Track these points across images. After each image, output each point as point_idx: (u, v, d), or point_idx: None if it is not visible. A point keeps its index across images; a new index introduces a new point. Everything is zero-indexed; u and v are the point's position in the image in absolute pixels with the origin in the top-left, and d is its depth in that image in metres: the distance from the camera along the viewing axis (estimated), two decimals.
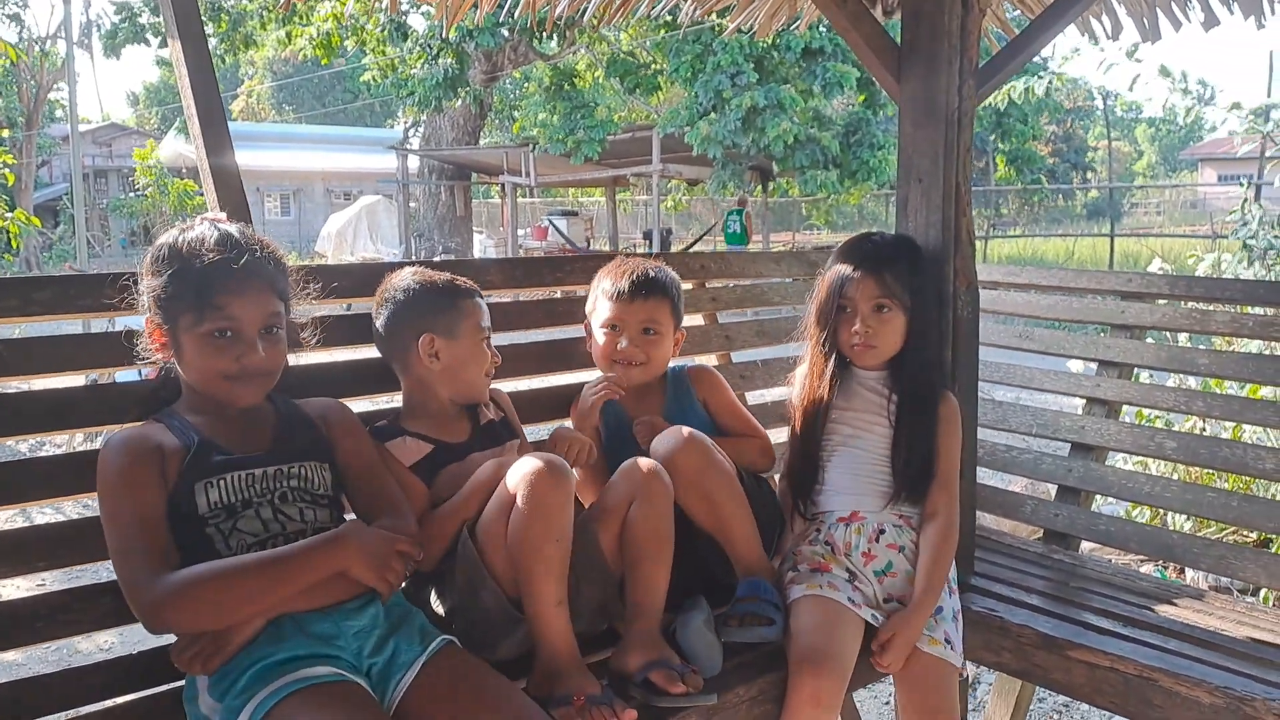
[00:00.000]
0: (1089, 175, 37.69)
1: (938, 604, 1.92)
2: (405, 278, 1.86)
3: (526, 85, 21.07)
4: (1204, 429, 4.02)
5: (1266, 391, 3.58)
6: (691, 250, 16.21)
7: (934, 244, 2.16)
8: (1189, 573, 3.89)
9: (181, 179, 18.56)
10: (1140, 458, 3.95)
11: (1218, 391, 3.56)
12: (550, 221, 19.55)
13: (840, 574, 1.93)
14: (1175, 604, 2.13)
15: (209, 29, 15.10)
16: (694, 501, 1.88)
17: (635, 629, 1.71)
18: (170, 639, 1.46)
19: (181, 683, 1.50)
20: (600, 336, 2.09)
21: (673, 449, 1.86)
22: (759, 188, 19.12)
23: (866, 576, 1.94)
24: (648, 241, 18.26)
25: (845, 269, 2.04)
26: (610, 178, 18.42)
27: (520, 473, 1.60)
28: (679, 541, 1.90)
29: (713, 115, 15.07)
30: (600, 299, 2.10)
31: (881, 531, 1.98)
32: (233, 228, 1.55)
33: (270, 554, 1.41)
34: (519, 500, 1.58)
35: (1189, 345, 3.58)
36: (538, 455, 1.62)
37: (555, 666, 1.56)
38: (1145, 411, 3.99)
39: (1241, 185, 5.42)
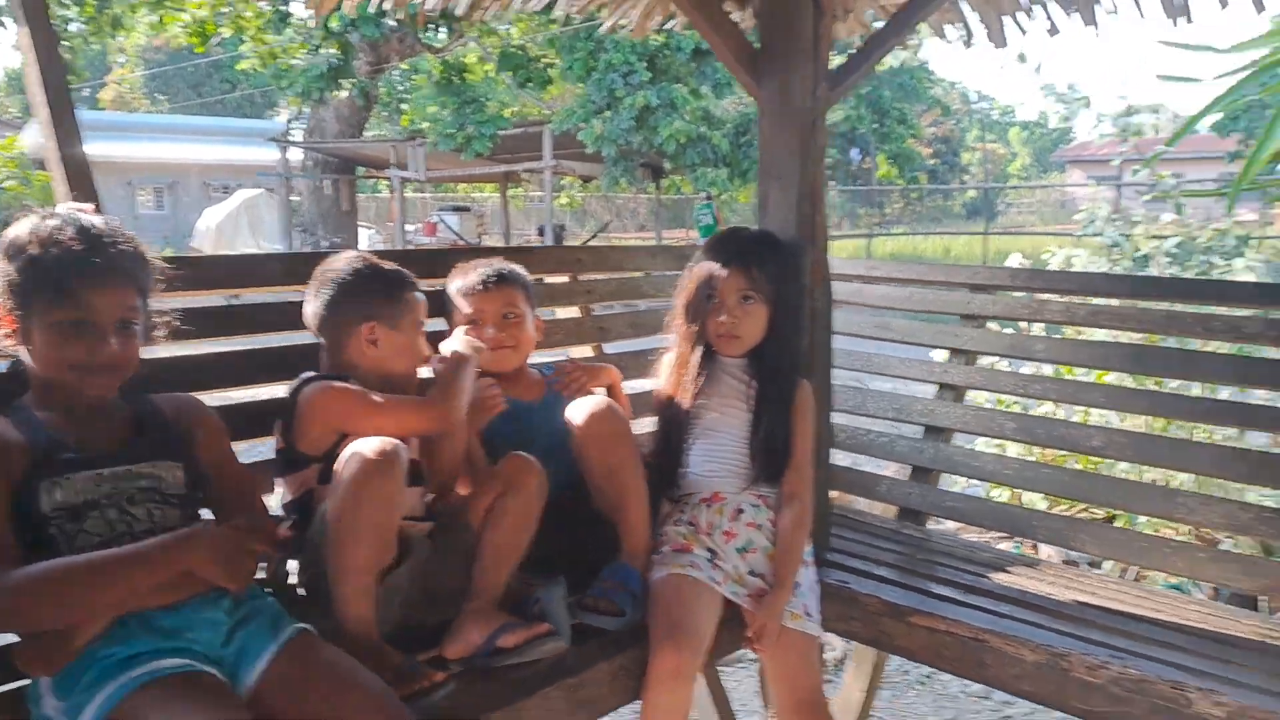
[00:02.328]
0: (965, 176, 39.24)
1: (795, 580, 2.04)
2: (353, 261, 1.89)
3: (415, 78, 20.70)
4: (1057, 412, 4.29)
5: (1113, 378, 3.86)
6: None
7: (792, 239, 2.27)
8: (1043, 549, 4.14)
9: (45, 170, 17.61)
10: (1000, 440, 4.17)
11: (1061, 376, 3.80)
12: (441, 218, 19.33)
13: (701, 554, 2.02)
14: (1010, 571, 2.29)
15: (74, 11, 14.37)
16: (600, 472, 1.98)
17: (471, 609, 1.73)
18: (12, 638, 1.44)
19: (24, 682, 1.47)
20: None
21: (590, 415, 1.96)
22: (651, 185, 19.30)
23: (728, 554, 2.04)
24: (541, 237, 18.23)
25: (713, 264, 2.14)
26: (502, 173, 18.33)
27: (351, 456, 1.59)
28: (562, 512, 1.96)
29: (606, 113, 15.16)
30: (455, 299, 2.15)
31: (741, 511, 2.08)
32: (96, 219, 1.53)
33: (114, 553, 1.39)
34: (342, 486, 1.58)
35: (1043, 335, 3.80)
36: (373, 443, 1.60)
37: (354, 650, 1.55)
38: (1005, 397, 4.22)
39: (1093, 185, 5.77)
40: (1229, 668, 1.81)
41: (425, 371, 1.98)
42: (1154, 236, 4.68)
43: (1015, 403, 4.27)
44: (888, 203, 31.27)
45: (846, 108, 21.20)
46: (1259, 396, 3.73)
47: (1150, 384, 3.93)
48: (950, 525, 3.92)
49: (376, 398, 1.76)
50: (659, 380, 2.26)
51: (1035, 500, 4.03)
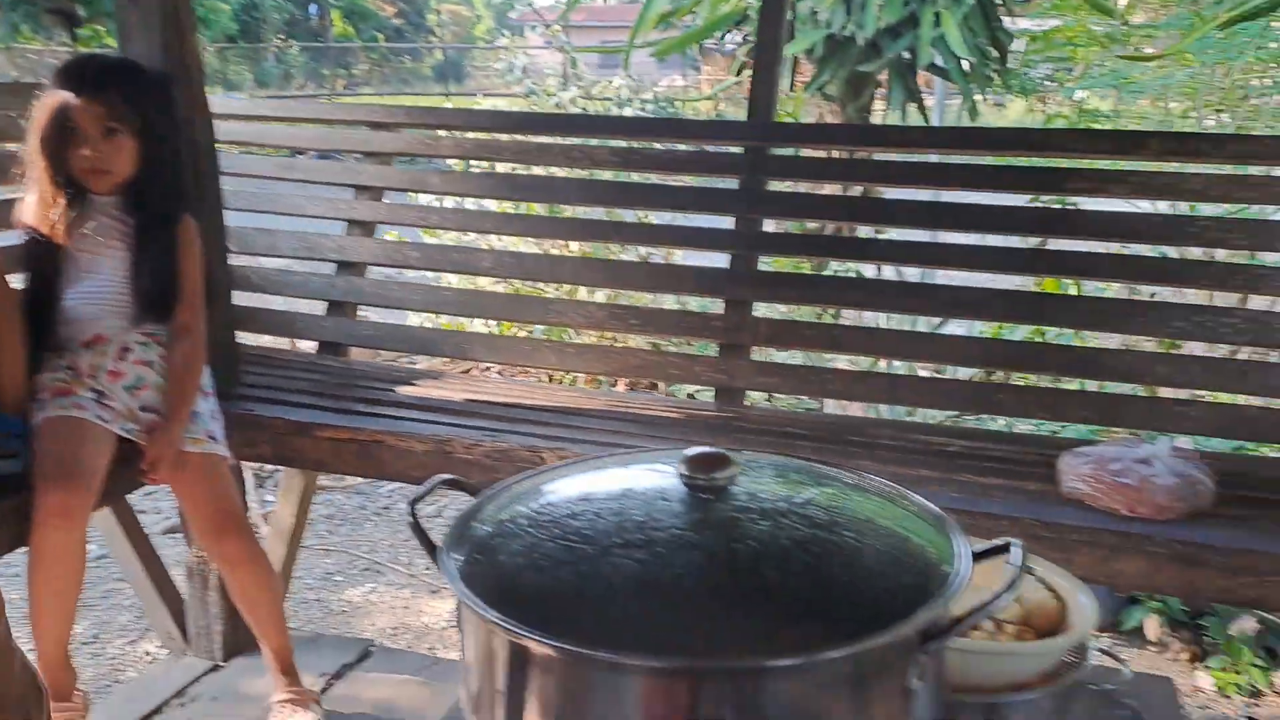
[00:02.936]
0: (431, 38, 39.23)
1: (194, 410, 2.07)
2: None
3: None
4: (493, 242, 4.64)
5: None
6: None
7: (160, 68, 2.18)
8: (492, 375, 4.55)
9: None
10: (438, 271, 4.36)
11: (501, 211, 4.11)
12: None
13: (86, 395, 1.96)
14: (416, 384, 2.53)
15: None
16: None
17: None
18: None
19: None
20: None
21: None
22: (66, 35, 16.58)
23: (116, 393, 1.99)
24: None
25: (67, 93, 1.99)
26: None
27: None
28: None
29: None
30: None
31: (127, 350, 2.03)
32: None
33: None
34: None
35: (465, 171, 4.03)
36: None
37: None
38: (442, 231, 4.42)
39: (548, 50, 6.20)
40: (577, 431, 2.21)
41: None
42: (549, 93, 5.23)
43: (460, 237, 4.55)
44: (355, 63, 30.28)
45: None
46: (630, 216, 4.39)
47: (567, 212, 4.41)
48: (428, 361, 4.15)
49: None
50: (25, 226, 2.09)
51: (479, 324, 4.39)
